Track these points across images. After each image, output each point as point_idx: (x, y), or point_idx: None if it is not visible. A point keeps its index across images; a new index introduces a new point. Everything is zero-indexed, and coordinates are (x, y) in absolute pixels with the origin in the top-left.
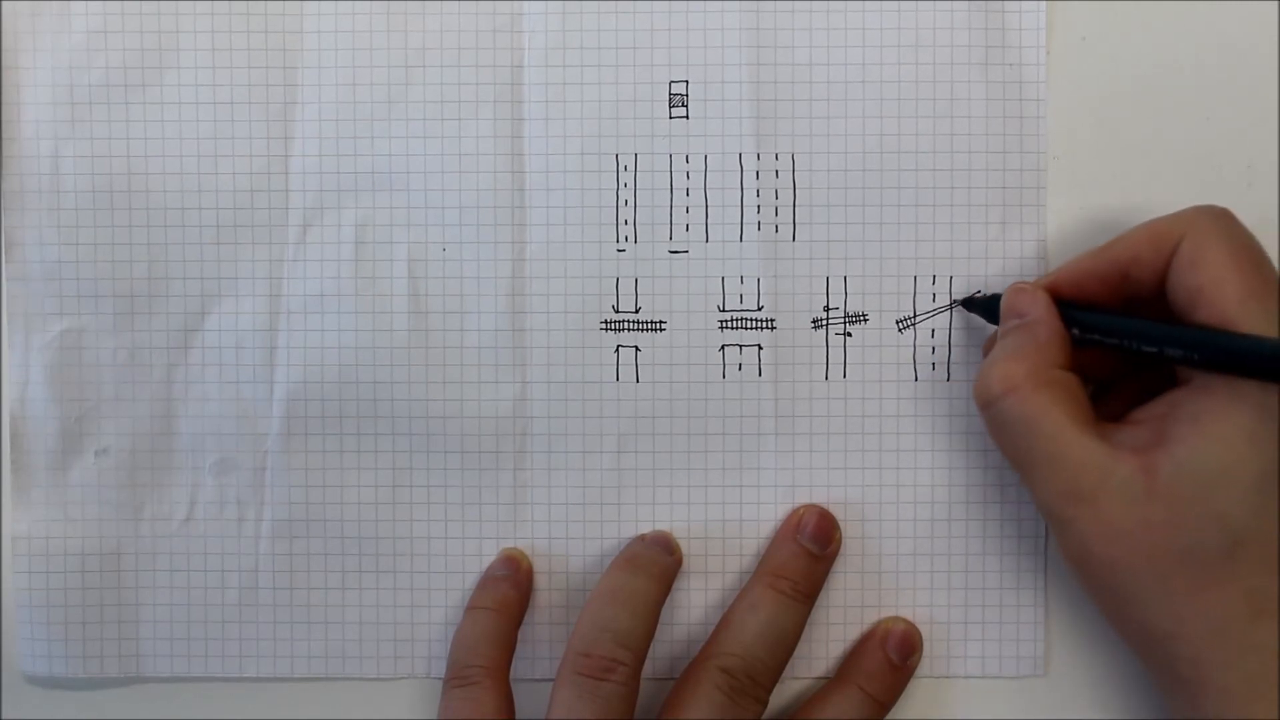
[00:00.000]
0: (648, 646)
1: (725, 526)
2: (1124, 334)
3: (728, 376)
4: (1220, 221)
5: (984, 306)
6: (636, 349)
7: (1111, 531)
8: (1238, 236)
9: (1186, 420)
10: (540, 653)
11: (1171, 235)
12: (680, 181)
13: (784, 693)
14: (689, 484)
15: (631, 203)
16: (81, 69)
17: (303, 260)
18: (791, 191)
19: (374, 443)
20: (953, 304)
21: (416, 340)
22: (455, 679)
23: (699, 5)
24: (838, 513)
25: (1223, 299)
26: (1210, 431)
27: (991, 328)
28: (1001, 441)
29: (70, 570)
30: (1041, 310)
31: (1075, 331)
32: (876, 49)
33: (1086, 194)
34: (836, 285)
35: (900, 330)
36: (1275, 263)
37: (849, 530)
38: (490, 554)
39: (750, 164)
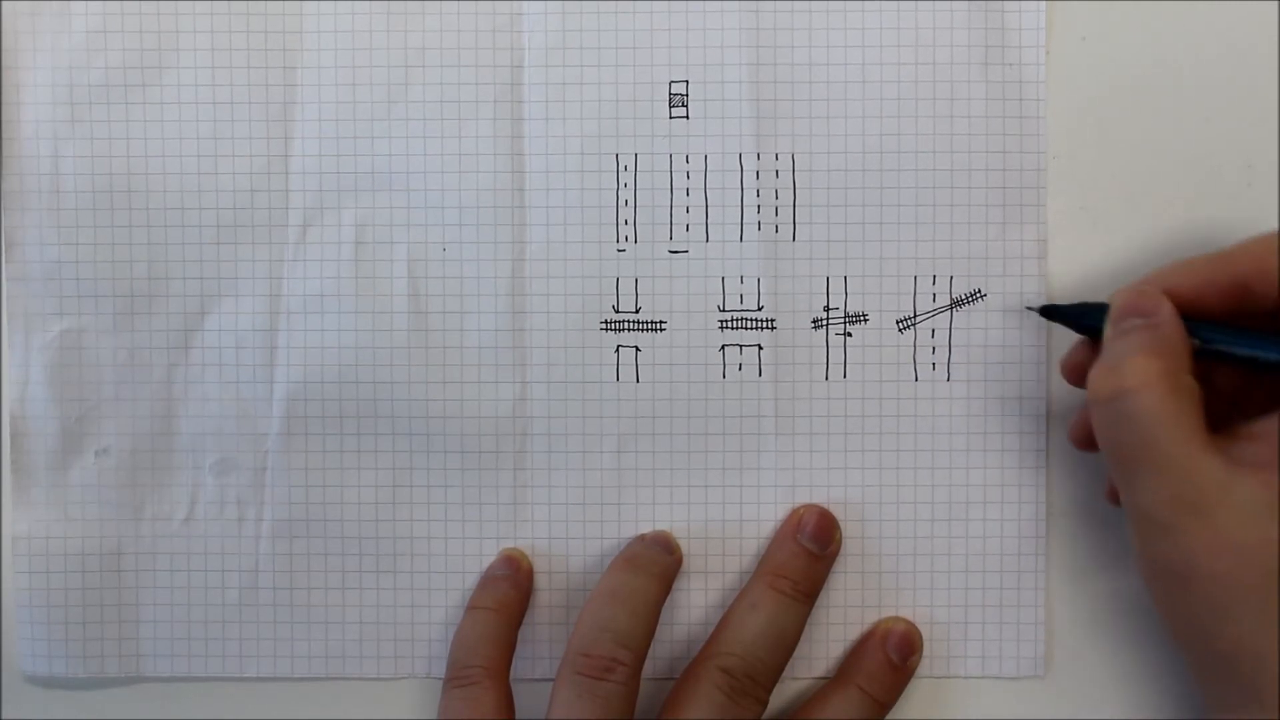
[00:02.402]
0: (648, 646)
1: (725, 526)
2: (1260, 346)
3: (728, 376)
4: None
5: (1074, 313)
6: (636, 349)
7: (1225, 545)
8: None
9: None
10: (540, 653)
11: None
12: (680, 181)
13: (784, 693)
14: (689, 484)
15: (631, 203)
16: (81, 69)
17: (303, 260)
18: (791, 191)
19: (374, 443)
20: (1035, 308)
21: (416, 340)
22: (455, 679)
23: (699, 5)
24: (838, 513)
25: None
26: None
27: (1075, 336)
28: (1112, 437)
29: (70, 570)
30: (1168, 313)
31: (1196, 342)
32: (876, 49)
33: (1086, 194)
34: (836, 285)
35: (900, 330)
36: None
37: (849, 530)
38: (490, 554)
39: (750, 164)
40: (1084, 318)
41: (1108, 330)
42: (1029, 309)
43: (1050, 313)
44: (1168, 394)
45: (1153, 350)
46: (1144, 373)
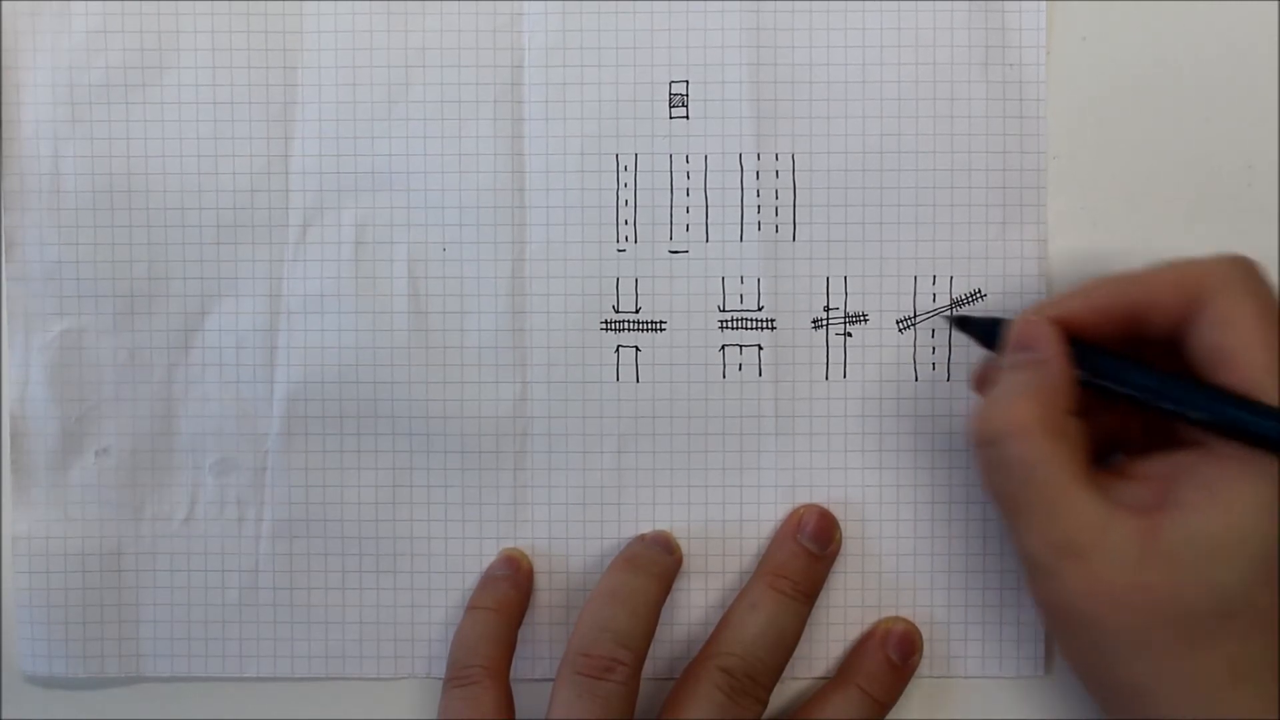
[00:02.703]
0: (648, 646)
1: (725, 526)
2: (1141, 388)
3: (728, 376)
4: (1252, 279)
5: (981, 329)
6: (636, 349)
7: (1099, 589)
8: (1265, 296)
9: (1198, 487)
10: (540, 653)
11: (1199, 286)
12: (680, 181)
13: (784, 693)
14: (689, 484)
15: (631, 203)
16: (81, 69)
17: (303, 260)
18: (791, 191)
19: (374, 443)
20: (949, 318)
21: (416, 340)
22: (455, 679)
23: (699, 5)
24: (838, 513)
25: (1251, 364)
26: (1221, 501)
27: (982, 352)
28: (992, 482)
29: (70, 570)
30: (1055, 349)
31: (1083, 374)
32: (876, 49)
33: (1086, 194)
34: (836, 285)
35: (900, 330)
36: (1276, 261)
37: (849, 530)
38: (490, 554)
39: (750, 164)
40: (989, 335)
41: (1004, 361)
42: (943, 317)
43: (961, 324)
44: (1043, 439)
45: (1031, 393)
46: (1020, 418)
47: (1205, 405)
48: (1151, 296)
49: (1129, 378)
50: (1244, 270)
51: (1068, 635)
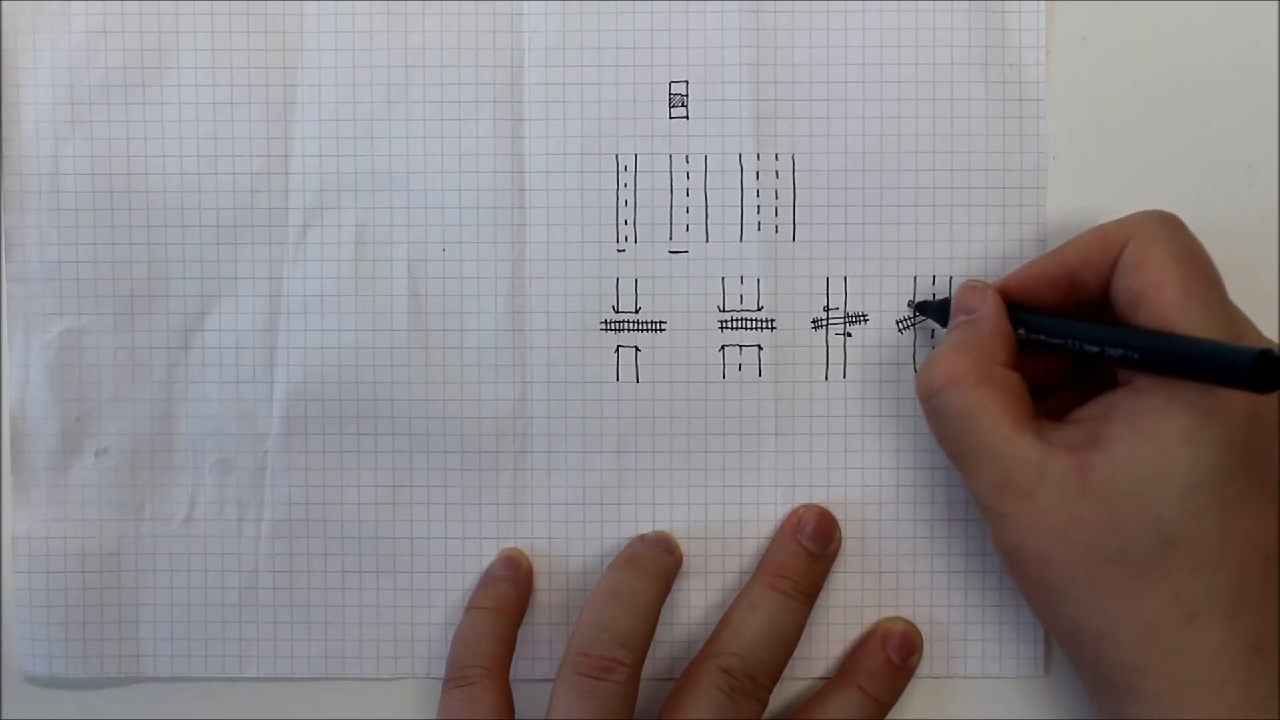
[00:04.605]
0: (647, 646)
1: (725, 526)
2: (1066, 334)
3: (728, 376)
4: (1166, 226)
5: (937, 310)
6: (636, 349)
7: (1045, 527)
8: (1182, 240)
9: (1122, 420)
10: (540, 653)
11: (1118, 239)
12: (680, 181)
13: (784, 693)
14: (689, 484)
15: (631, 203)
16: (81, 69)
17: (303, 260)
18: (791, 191)
19: (374, 443)
20: (911, 303)
21: (416, 340)
22: (455, 679)
23: (699, 5)
24: (838, 513)
25: (1162, 301)
26: (1146, 432)
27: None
28: (940, 433)
29: (70, 570)
30: (990, 308)
31: (1021, 331)
32: (876, 49)
33: (1086, 194)
34: (836, 285)
35: (900, 330)
36: (1276, 262)
37: (849, 530)
38: (490, 554)
39: (750, 164)
40: (942, 315)
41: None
42: (911, 304)
43: (921, 308)
44: (975, 387)
45: (963, 346)
46: (953, 370)
47: (1118, 342)
48: (1080, 258)
49: (1056, 328)
50: (1159, 219)
51: (1025, 578)
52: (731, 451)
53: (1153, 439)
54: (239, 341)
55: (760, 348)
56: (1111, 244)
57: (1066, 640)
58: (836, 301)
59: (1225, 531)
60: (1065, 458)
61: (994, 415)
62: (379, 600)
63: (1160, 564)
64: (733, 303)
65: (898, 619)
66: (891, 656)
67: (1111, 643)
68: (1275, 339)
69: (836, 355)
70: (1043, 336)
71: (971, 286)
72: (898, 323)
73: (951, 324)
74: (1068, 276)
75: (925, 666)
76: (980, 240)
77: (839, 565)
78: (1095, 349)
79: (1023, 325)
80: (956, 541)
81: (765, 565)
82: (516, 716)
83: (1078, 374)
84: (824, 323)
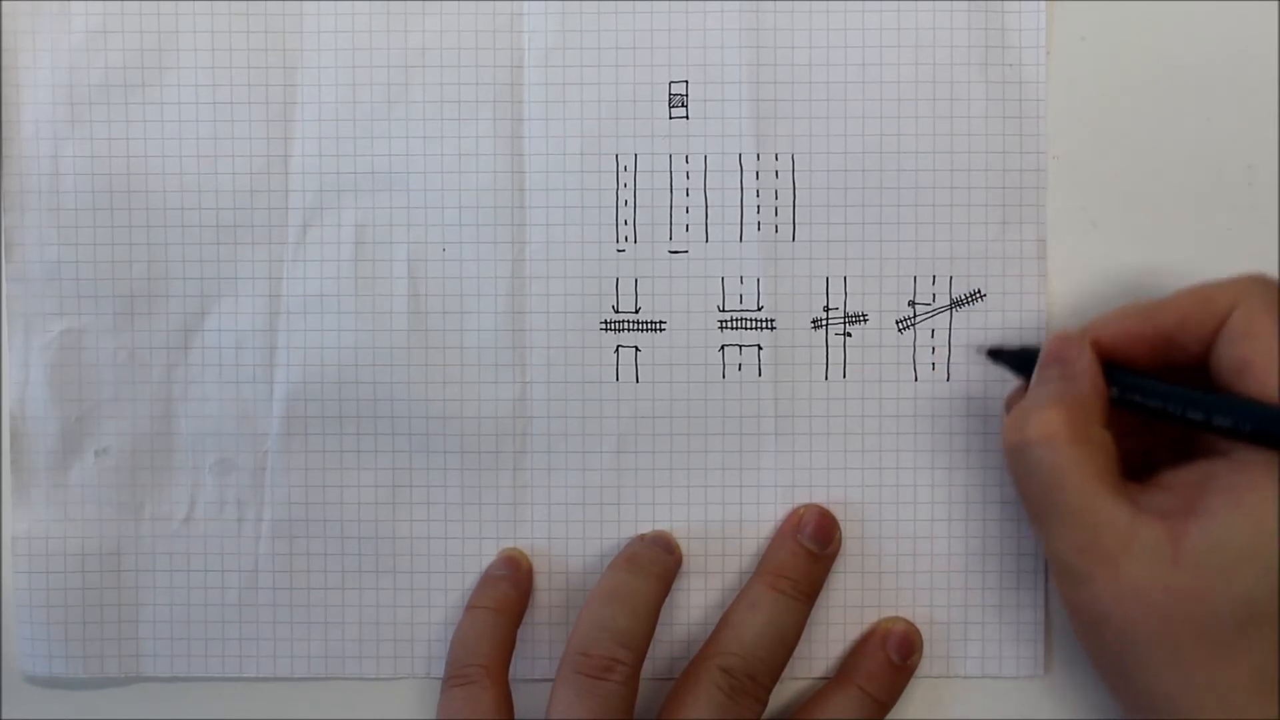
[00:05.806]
0: (647, 646)
1: (725, 526)
2: (1166, 398)
3: (728, 376)
4: (1270, 293)
5: (1015, 359)
6: (636, 349)
7: (1130, 593)
8: None
9: (1222, 492)
10: (540, 653)
11: (1222, 303)
12: (680, 181)
13: (784, 693)
14: (689, 484)
15: (631, 203)
16: (81, 69)
17: (303, 260)
18: (791, 191)
19: (374, 443)
20: (983, 350)
21: (416, 340)
22: (454, 678)
23: (699, 5)
24: (838, 513)
25: (1270, 372)
26: (1246, 506)
27: (1015, 380)
28: (1024, 487)
29: (70, 570)
30: (1086, 363)
31: (1114, 391)
32: (876, 49)
33: (1086, 194)
34: (836, 285)
35: (900, 330)
36: (1276, 262)
37: (849, 530)
38: (490, 554)
39: (750, 164)
40: (1022, 363)
41: (1033, 376)
42: (978, 350)
43: (995, 355)
44: (1070, 445)
45: (1060, 402)
46: (1048, 425)
47: (1227, 411)
48: (1178, 318)
49: (1157, 391)
50: (1263, 286)
51: (1098, 641)
52: (731, 451)
53: (1252, 514)
54: (239, 341)
55: (760, 348)
56: (1215, 308)
57: (1134, 704)
58: (836, 301)
59: None
60: (1157, 525)
61: (1086, 475)
62: (379, 600)
63: (1242, 638)
64: (732, 303)
65: (898, 619)
66: (891, 656)
67: (1184, 710)
68: None
69: (836, 355)
70: (1139, 398)
71: (1066, 338)
72: (898, 323)
73: (1042, 374)
74: (1164, 336)
75: (925, 666)
76: (980, 240)
77: (839, 565)
78: (1200, 417)
79: (1117, 384)
80: (956, 541)
81: (765, 565)
82: (516, 716)
83: (1157, 432)
84: (824, 323)
